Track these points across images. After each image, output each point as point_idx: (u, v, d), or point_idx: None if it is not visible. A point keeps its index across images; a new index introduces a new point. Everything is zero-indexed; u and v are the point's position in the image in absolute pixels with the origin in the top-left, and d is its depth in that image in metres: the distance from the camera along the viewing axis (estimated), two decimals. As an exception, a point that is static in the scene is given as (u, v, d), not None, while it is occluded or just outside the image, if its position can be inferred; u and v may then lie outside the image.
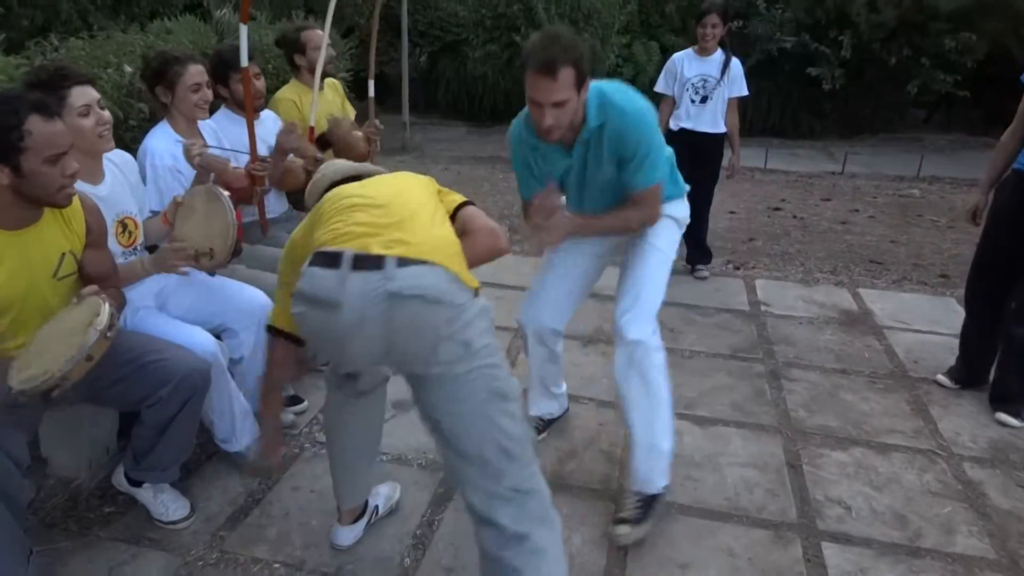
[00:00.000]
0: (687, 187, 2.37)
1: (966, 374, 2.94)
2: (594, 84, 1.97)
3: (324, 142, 2.99)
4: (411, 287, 1.39)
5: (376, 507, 2.06)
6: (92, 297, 1.68)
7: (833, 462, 2.43)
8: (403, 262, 1.41)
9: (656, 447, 2.05)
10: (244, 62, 2.39)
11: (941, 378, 2.98)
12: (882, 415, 2.73)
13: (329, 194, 1.68)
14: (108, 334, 1.60)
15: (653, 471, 2.06)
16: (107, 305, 1.63)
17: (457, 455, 1.48)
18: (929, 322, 3.58)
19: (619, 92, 1.99)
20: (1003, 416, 2.70)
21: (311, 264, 1.46)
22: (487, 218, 1.76)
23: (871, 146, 8.88)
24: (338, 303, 1.40)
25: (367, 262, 1.41)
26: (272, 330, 1.76)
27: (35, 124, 1.56)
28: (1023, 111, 2.67)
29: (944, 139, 9.20)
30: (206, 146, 2.37)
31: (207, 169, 2.27)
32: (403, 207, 1.57)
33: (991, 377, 2.87)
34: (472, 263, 1.63)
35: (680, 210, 2.30)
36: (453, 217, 1.73)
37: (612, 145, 1.98)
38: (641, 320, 2.07)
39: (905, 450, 2.52)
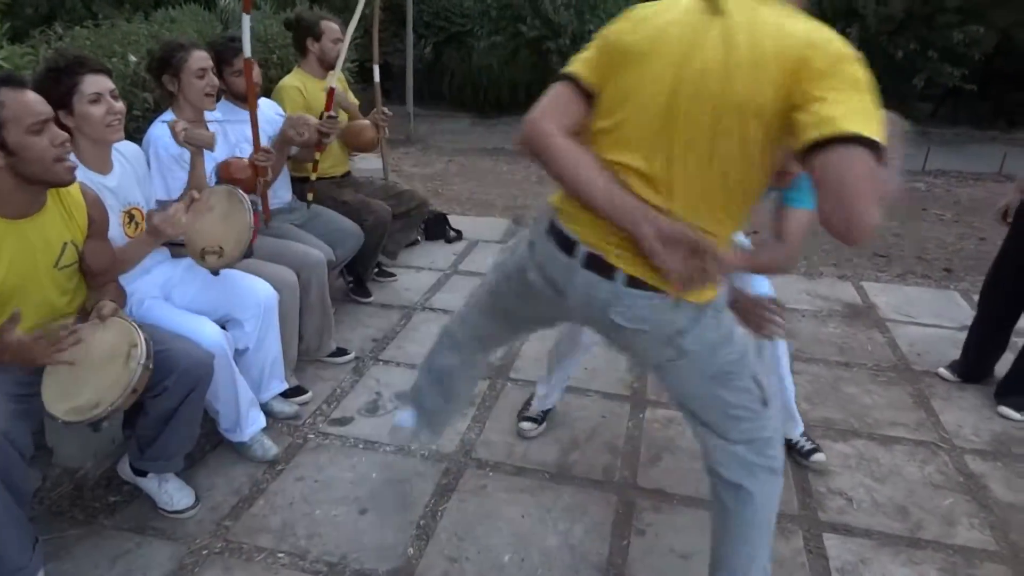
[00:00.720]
0: None
1: (968, 369, 2.93)
2: None
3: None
4: (633, 319, 1.38)
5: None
6: (121, 322, 1.73)
7: (835, 454, 2.43)
8: (633, 282, 1.34)
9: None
10: (247, 52, 2.40)
11: (943, 371, 2.98)
12: (884, 407, 2.73)
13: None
14: (149, 365, 1.69)
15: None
16: (141, 334, 1.70)
17: (693, 418, 1.58)
18: (933, 316, 3.57)
19: None
20: (1005, 409, 2.69)
21: (548, 233, 1.46)
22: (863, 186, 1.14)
23: (877, 139, 8.84)
24: (564, 291, 1.45)
25: (598, 266, 1.37)
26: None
27: (5, 95, 1.56)
28: None
29: (951, 132, 9.13)
30: (201, 123, 2.38)
31: (194, 145, 2.27)
32: (697, 186, 1.31)
33: (994, 372, 2.88)
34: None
35: None
36: (814, 148, 1.15)
37: None
38: None
39: (907, 442, 2.52)
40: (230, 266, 2.18)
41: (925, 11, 8.13)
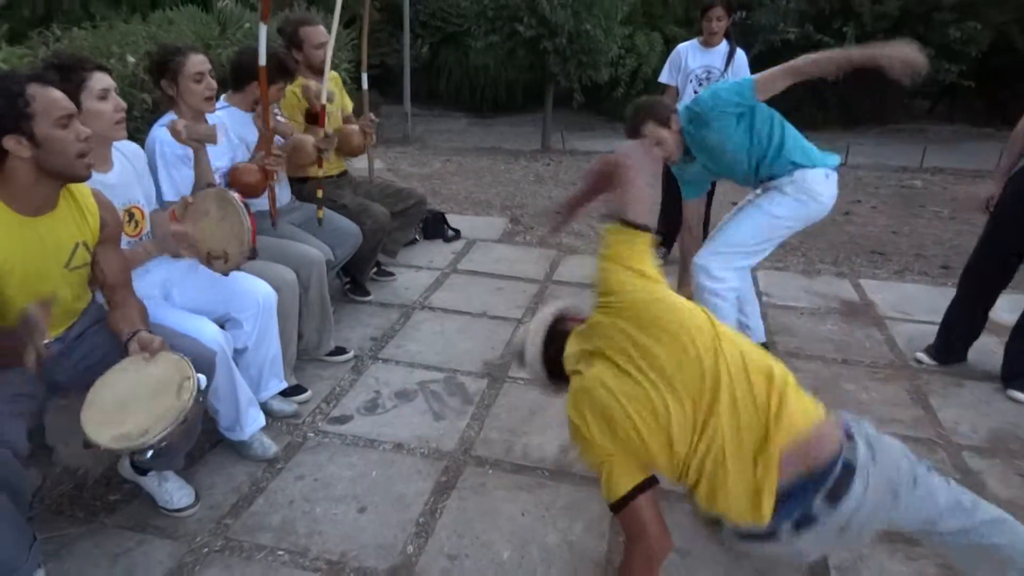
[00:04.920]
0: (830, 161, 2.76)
1: (946, 352, 3.03)
2: None
3: (312, 117, 3.06)
4: None
5: None
6: (170, 355, 1.75)
7: (833, 451, 2.44)
8: None
9: None
10: (262, 60, 2.41)
11: (920, 355, 3.08)
12: (882, 404, 2.74)
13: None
14: (200, 399, 1.70)
15: None
16: (191, 367, 1.72)
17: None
18: (930, 312, 3.57)
19: None
20: (1015, 393, 2.76)
21: None
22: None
23: (874, 137, 8.86)
24: None
25: None
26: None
27: (35, 90, 1.59)
28: None
29: (948, 130, 9.16)
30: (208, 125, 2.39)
31: (197, 141, 2.29)
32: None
33: (968, 357, 3.02)
34: None
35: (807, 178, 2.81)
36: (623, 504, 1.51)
37: None
38: (708, 254, 2.72)
39: (905, 439, 2.50)
40: (238, 268, 2.19)
41: (921, 9, 8.16)
